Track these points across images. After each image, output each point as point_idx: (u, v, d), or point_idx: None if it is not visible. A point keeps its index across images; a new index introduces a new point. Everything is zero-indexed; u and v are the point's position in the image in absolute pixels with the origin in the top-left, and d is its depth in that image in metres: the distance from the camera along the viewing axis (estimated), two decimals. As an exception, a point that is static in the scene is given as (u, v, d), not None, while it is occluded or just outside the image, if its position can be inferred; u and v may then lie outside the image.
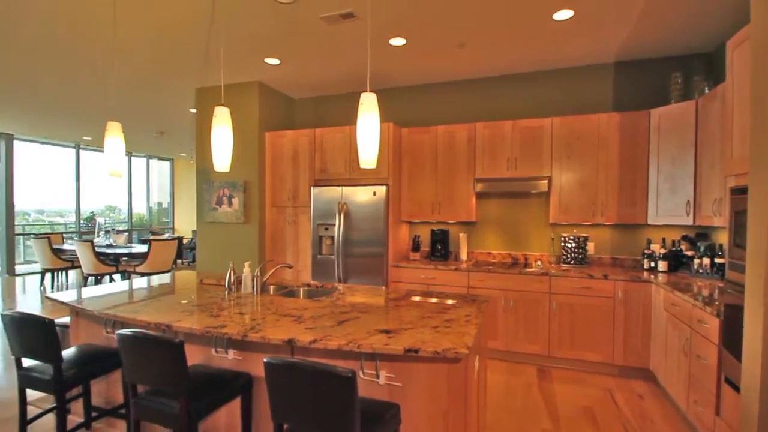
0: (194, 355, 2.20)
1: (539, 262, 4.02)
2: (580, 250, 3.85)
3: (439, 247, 4.34)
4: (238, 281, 2.80)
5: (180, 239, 7.07)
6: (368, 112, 2.03)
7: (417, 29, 3.27)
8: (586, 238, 3.84)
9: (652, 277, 3.32)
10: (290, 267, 2.76)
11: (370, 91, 2.07)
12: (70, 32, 3.33)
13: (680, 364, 2.72)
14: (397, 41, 3.50)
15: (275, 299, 2.49)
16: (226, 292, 2.67)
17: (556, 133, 3.84)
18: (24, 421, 2.19)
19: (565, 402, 3.01)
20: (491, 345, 3.79)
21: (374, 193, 4.07)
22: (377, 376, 1.80)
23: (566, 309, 3.55)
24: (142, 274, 6.23)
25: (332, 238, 4.28)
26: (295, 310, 2.19)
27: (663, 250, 3.55)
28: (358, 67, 4.14)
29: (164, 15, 3.05)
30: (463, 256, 4.28)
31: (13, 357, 2.18)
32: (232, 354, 2.10)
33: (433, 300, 2.44)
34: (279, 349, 1.98)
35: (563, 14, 3.00)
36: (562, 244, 3.93)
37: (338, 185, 4.26)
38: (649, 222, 3.57)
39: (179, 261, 9.85)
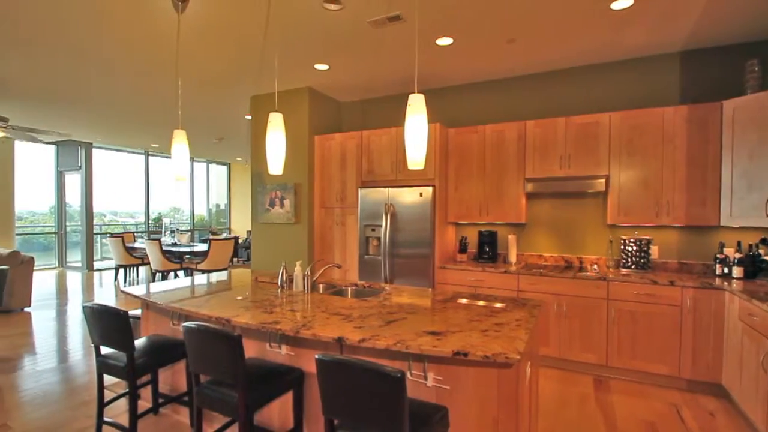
0: (250, 349, 2.32)
1: (595, 266, 3.81)
2: (642, 254, 3.60)
3: (487, 249, 4.25)
4: (290, 280, 2.91)
5: (236, 239, 7.46)
6: (416, 114, 2.03)
7: (464, 27, 3.23)
8: (649, 241, 3.59)
9: (726, 284, 3.04)
10: (339, 267, 2.83)
11: (418, 92, 2.07)
12: (143, 51, 3.63)
13: (759, 380, 2.46)
14: (444, 41, 3.47)
15: (325, 298, 2.56)
16: (279, 290, 2.78)
17: (614, 129, 3.62)
18: (101, 404, 2.41)
19: (626, 416, 2.83)
20: (543, 352, 3.65)
21: (420, 194, 4.07)
22: (425, 378, 1.80)
23: (626, 316, 3.34)
24: (203, 272, 6.65)
25: (379, 239, 4.33)
26: (343, 309, 2.24)
27: (738, 255, 3.23)
28: (404, 69, 4.16)
29: (223, 30, 3.24)
30: (512, 258, 4.15)
31: (92, 345, 2.42)
32: (285, 349, 2.19)
33: (481, 303, 2.40)
34: (329, 347, 2.04)
35: (622, 3, 2.83)
36: (622, 247, 3.70)
37: (385, 186, 4.30)
38: (722, 223, 3.27)
39: (235, 259, 10.42)
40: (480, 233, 4.29)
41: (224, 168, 12.73)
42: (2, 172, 7.72)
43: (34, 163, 9.29)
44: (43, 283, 7.68)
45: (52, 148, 9.40)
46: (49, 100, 5.35)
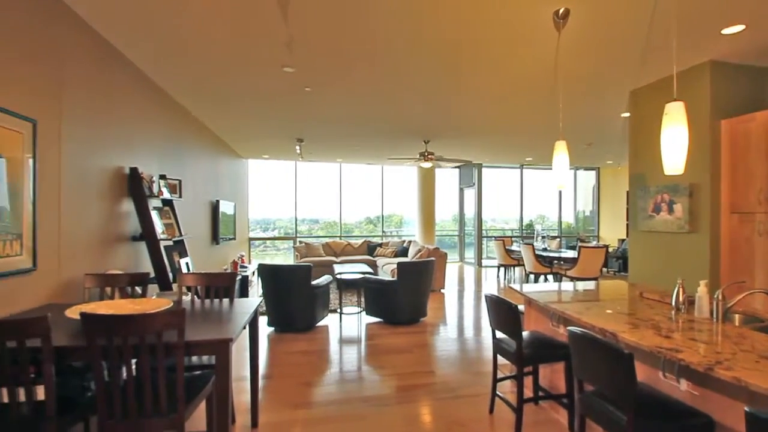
0: (638, 371, 2.10)
1: None
2: None
3: None
4: (688, 301, 2.40)
5: (606, 247, 6.96)
6: None
7: None
8: None
9: None
10: (772, 295, 2.06)
11: None
12: (526, 77, 4.11)
13: None
14: None
15: (746, 333, 1.94)
16: (673, 312, 2.36)
17: None
18: (495, 379, 2.89)
19: None
20: None
21: None
22: None
23: None
24: (571, 278, 6.65)
25: None
26: (786, 355, 1.61)
27: None
28: None
29: (603, 31, 3.11)
30: None
31: (490, 327, 2.94)
32: (685, 385, 1.83)
33: None
34: (758, 401, 1.53)
35: None
36: None
37: None
38: None
39: (604, 269, 9.74)
40: None
41: (592, 173, 12.18)
42: (428, 191, 10.94)
43: (443, 183, 12.43)
44: (450, 272, 10.10)
45: (456, 171, 12.24)
46: (457, 137, 7.04)
